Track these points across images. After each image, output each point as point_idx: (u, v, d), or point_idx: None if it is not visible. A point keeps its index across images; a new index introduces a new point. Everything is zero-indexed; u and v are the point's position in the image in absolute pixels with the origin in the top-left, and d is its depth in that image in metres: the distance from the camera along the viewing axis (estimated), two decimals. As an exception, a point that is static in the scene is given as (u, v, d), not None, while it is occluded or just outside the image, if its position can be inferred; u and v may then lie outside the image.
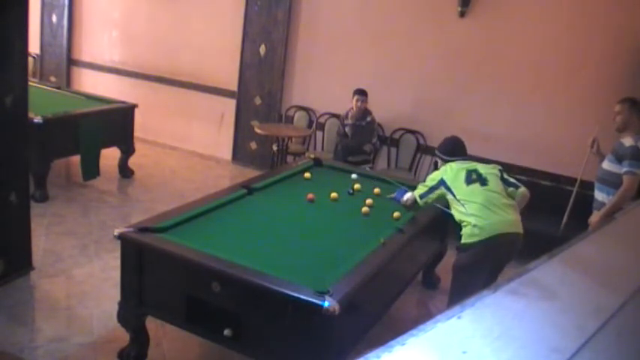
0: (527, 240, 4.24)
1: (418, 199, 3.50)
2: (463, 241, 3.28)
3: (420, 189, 3.51)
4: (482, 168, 3.46)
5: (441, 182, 3.41)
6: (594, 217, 3.84)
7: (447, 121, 5.66)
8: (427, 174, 5.65)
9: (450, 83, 5.60)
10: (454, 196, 3.33)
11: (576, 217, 4.16)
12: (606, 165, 3.81)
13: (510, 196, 3.42)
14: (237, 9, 6.49)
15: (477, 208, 3.22)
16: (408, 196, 3.58)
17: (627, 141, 3.68)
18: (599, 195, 3.86)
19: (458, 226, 3.36)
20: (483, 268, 3.26)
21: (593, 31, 4.96)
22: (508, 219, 3.27)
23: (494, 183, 3.38)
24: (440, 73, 5.62)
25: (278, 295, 2.39)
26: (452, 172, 3.43)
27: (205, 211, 3.20)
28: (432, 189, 3.44)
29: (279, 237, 3.09)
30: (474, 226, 3.19)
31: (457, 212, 3.31)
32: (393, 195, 3.73)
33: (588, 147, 4.14)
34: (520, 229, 3.34)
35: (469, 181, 3.34)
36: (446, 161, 3.58)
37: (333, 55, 6.12)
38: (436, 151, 3.77)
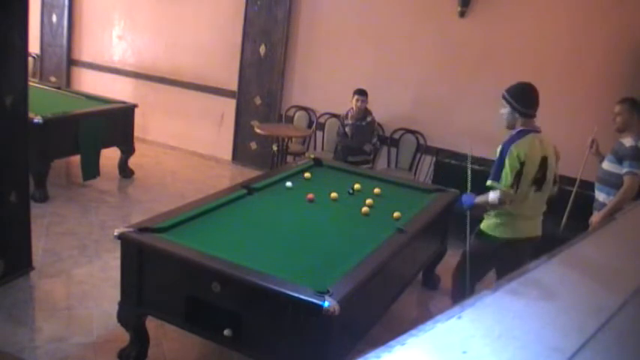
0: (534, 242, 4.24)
1: (510, 191, 3.05)
2: (488, 230, 3.23)
3: (506, 179, 3.05)
4: (550, 159, 3.21)
5: (521, 164, 3.07)
6: (595, 218, 3.84)
7: (447, 121, 5.67)
8: (427, 174, 5.72)
9: (450, 83, 5.60)
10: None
11: (576, 217, 4.16)
12: (606, 165, 3.81)
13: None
14: (237, 9, 6.49)
15: (520, 209, 3.13)
16: (493, 197, 3.08)
17: (627, 141, 3.68)
18: (599, 195, 3.85)
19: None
20: (494, 261, 3.29)
21: (593, 31, 4.96)
22: (537, 225, 3.27)
23: (547, 188, 3.24)
24: (440, 73, 5.62)
25: (278, 295, 2.39)
26: (531, 154, 3.09)
27: (205, 211, 3.20)
28: (518, 173, 3.07)
29: (279, 237, 3.09)
30: (506, 224, 3.16)
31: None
32: (462, 205, 3.37)
33: (587, 147, 4.14)
34: (540, 232, 3.31)
35: (533, 180, 3.13)
36: (517, 111, 3.17)
37: (333, 55, 6.12)
38: (509, 98, 3.21)
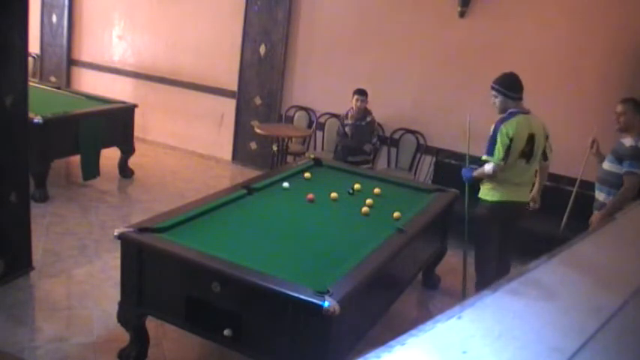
0: (528, 240, 4.25)
1: (501, 163, 3.63)
2: (484, 195, 3.83)
3: (498, 154, 3.63)
4: (538, 136, 3.73)
5: (510, 140, 3.63)
6: (595, 217, 3.84)
7: (447, 121, 5.66)
8: (427, 174, 5.72)
9: (450, 83, 5.60)
10: None
11: (576, 217, 4.16)
12: (606, 165, 3.81)
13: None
14: (237, 9, 6.49)
15: (508, 176, 3.71)
16: (488, 168, 3.69)
17: (627, 141, 3.68)
18: (599, 195, 3.85)
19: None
20: (494, 223, 3.83)
21: (593, 31, 4.96)
22: (525, 192, 3.86)
23: (535, 161, 3.80)
24: (440, 73, 5.63)
25: (278, 295, 2.39)
26: (518, 132, 3.64)
27: (205, 211, 3.20)
28: (508, 148, 3.62)
29: (279, 237, 3.09)
30: (497, 188, 3.76)
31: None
32: (463, 178, 3.93)
33: (588, 148, 4.14)
34: (527, 198, 3.90)
35: (522, 154, 3.69)
36: (508, 97, 3.73)
37: (333, 55, 6.12)
38: (498, 87, 3.74)
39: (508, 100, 3.74)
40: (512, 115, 3.70)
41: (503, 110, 3.78)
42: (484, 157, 3.73)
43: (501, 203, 3.76)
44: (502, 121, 3.68)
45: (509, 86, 3.74)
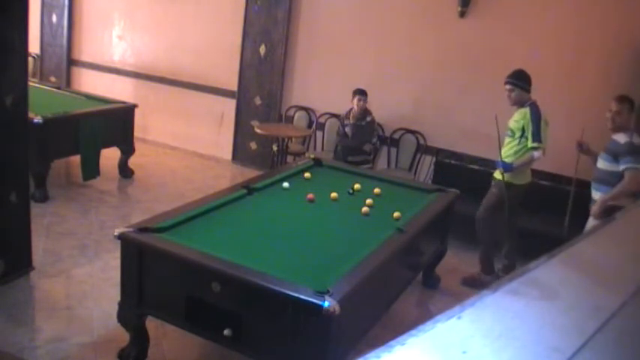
0: (532, 241, 4.25)
1: (544, 146, 4.11)
2: (515, 181, 4.25)
3: (545, 138, 4.09)
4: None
5: (546, 126, 4.14)
6: (596, 205, 3.79)
7: (447, 121, 5.67)
8: (427, 174, 5.72)
9: (450, 83, 5.60)
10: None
11: (577, 216, 4.13)
12: (602, 164, 3.78)
13: None
14: (237, 9, 6.49)
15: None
16: (538, 154, 4.10)
17: (621, 138, 3.65)
18: (596, 195, 3.83)
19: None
20: (522, 200, 4.40)
21: (593, 31, 4.96)
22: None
23: None
24: (440, 73, 5.62)
25: (278, 295, 2.39)
26: (546, 119, 4.16)
27: (205, 211, 3.20)
28: (545, 133, 4.13)
29: (279, 237, 3.09)
30: (526, 172, 4.28)
31: (518, 147, 4.20)
32: (502, 168, 4.23)
33: (576, 150, 4.14)
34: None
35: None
36: (524, 90, 4.19)
37: (333, 55, 6.12)
38: (515, 81, 4.20)
39: (523, 93, 4.19)
40: (535, 105, 4.16)
41: (519, 102, 4.21)
42: (536, 145, 4.08)
43: (529, 184, 4.35)
44: (536, 110, 4.11)
45: (525, 80, 4.20)
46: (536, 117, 4.08)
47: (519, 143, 4.18)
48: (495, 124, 4.21)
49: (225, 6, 6.62)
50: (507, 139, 4.32)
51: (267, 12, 6.34)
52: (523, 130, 4.16)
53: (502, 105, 5.43)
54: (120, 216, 4.92)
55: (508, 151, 4.27)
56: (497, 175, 4.31)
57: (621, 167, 3.62)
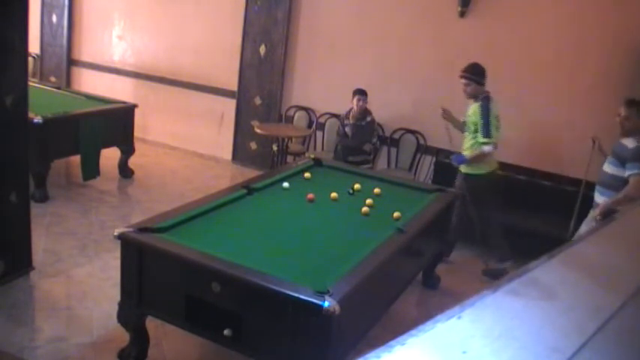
0: (532, 241, 4.25)
1: (496, 142, 4.28)
2: (473, 171, 4.44)
3: (493, 133, 4.26)
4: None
5: (496, 120, 4.34)
6: (595, 214, 3.75)
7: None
8: (427, 174, 5.72)
9: (450, 83, 5.58)
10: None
11: (583, 219, 4.10)
12: (608, 168, 3.71)
13: None
14: (237, 9, 6.49)
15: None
16: (488, 149, 4.27)
17: (630, 142, 3.59)
18: (599, 198, 3.76)
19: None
20: (489, 189, 4.52)
21: (594, 31, 4.96)
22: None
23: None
24: (440, 73, 5.62)
25: (278, 295, 2.39)
26: (498, 112, 4.34)
27: (205, 211, 3.20)
28: (495, 127, 4.30)
29: (279, 237, 3.09)
30: (484, 162, 4.41)
31: (473, 141, 4.37)
32: (455, 162, 4.49)
33: (589, 148, 4.12)
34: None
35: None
36: (480, 83, 4.34)
37: (333, 54, 6.12)
38: (471, 75, 4.33)
39: (479, 87, 4.35)
40: (488, 98, 4.32)
41: (474, 96, 4.38)
42: (484, 140, 4.25)
43: (491, 172, 4.47)
44: (487, 105, 4.26)
45: (480, 74, 4.35)
46: (486, 112, 4.26)
47: (474, 137, 4.38)
48: (446, 116, 4.53)
49: (225, 6, 6.62)
50: (466, 134, 4.55)
51: (267, 12, 6.34)
52: (476, 125, 4.34)
53: (501, 106, 5.44)
54: (120, 216, 4.92)
55: (465, 145, 4.50)
56: (462, 168, 4.54)
57: (627, 173, 3.55)
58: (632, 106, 3.64)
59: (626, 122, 3.63)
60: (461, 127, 4.59)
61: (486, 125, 4.24)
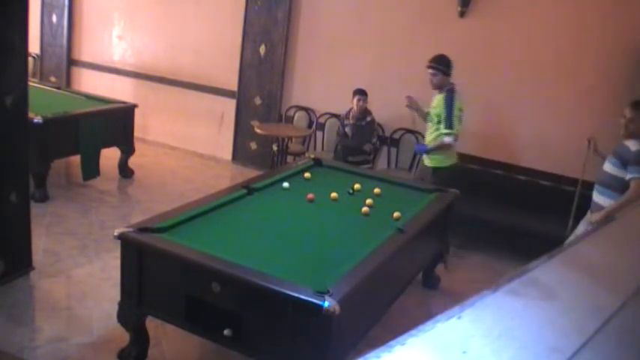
0: (532, 241, 4.25)
1: (458, 133, 4.36)
2: (438, 164, 4.53)
3: (456, 126, 4.33)
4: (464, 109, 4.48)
5: (460, 111, 4.39)
6: (594, 216, 3.74)
7: (447, 121, 5.66)
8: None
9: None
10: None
11: (581, 218, 4.10)
12: (609, 168, 3.68)
13: None
14: (237, 9, 6.49)
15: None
16: (449, 140, 4.34)
17: (632, 145, 3.54)
18: (599, 198, 3.73)
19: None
20: (453, 181, 4.44)
21: (594, 31, 4.96)
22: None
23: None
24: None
25: (278, 295, 2.39)
26: (462, 104, 4.42)
27: (205, 211, 3.20)
28: (459, 119, 4.37)
29: (279, 237, 3.09)
30: (449, 155, 4.53)
31: (437, 132, 4.44)
32: (417, 151, 4.68)
33: (586, 148, 4.11)
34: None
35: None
36: (447, 74, 4.40)
37: (333, 55, 6.12)
38: (439, 66, 4.38)
39: (445, 78, 4.41)
40: (453, 90, 4.39)
41: (440, 87, 4.43)
42: (446, 131, 4.33)
43: (455, 165, 4.57)
44: (451, 97, 4.33)
45: (448, 65, 4.41)
46: (450, 104, 4.32)
47: (437, 129, 4.45)
48: (412, 105, 4.62)
49: (225, 6, 6.62)
50: (429, 124, 4.63)
51: (267, 12, 6.34)
52: (439, 116, 4.41)
53: (501, 106, 5.44)
54: (120, 216, 4.92)
55: (430, 136, 4.59)
56: (424, 158, 4.67)
57: (628, 176, 3.52)
58: (637, 108, 3.59)
59: (631, 124, 3.59)
60: (425, 117, 4.66)
61: (449, 117, 4.31)
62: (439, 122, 4.40)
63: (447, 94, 4.35)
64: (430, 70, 4.43)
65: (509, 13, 5.25)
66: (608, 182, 3.66)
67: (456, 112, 4.33)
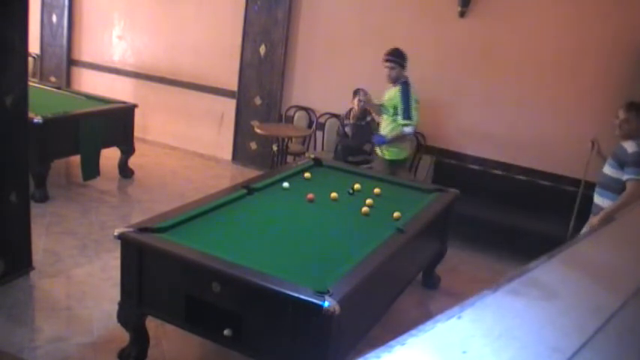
0: (532, 241, 4.24)
1: (415, 123, 4.54)
2: (395, 157, 4.72)
3: (415, 117, 4.53)
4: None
5: (417, 103, 4.56)
6: (594, 219, 3.75)
7: (447, 121, 5.67)
8: (427, 174, 5.72)
9: (449, 83, 5.60)
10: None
11: (583, 219, 4.09)
12: (607, 170, 3.69)
13: None
14: (237, 9, 6.49)
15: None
16: (409, 130, 4.53)
17: (630, 146, 3.55)
18: (599, 200, 3.75)
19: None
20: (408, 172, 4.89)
21: (593, 31, 4.96)
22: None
23: None
24: (440, 73, 5.62)
25: (278, 295, 2.39)
26: (418, 95, 4.58)
27: (205, 211, 3.20)
28: (417, 110, 4.55)
29: (279, 237, 3.09)
30: (405, 147, 4.77)
31: (393, 124, 4.61)
32: (376, 142, 4.69)
33: (589, 149, 4.11)
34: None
35: None
36: (403, 67, 4.59)
37: (333, 55, 6.12)
38: (397, 59, 4.56)
39: (402, 71, 4.57)
40: (408, 82, 4.56)
41: (396, 80, 4.58)
42: (405, 122, 4.50)
43: (410, 158, 4.88)
44: (408, 89, 4.50)
45: (404, 58, 4.58)
46: (406, 96, 4.49)
47: (394, 120, 4.59)
48: (364, 100, 4.74)
49: (225, 6, 6.62)
50: (384, 117, 4.74)
51: (267, 12, 6.33)
52: (396, 108, 4.55)
53: (501, 106, 5.44)
54: (120, 216, 4.92)
55: (385, 128, 4.72)
56: (379, 151, 4.79)
57: (625, 177, 3.53)
58: (631, 109, 3.62)
59: (625, 125, 3.61)
60: (378, 110, 4.77)
61: (407, 108, 4.47)
62: (395, 114, 4.56)
63: (402, 87, 4.52)
64: (388, 64, 4.57)
65: (509, 13, 5.25)
66: (608, 184, 3.67)
67: (412, 104, 4.50)
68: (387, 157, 4.75)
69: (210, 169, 6.62)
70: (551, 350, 0.77)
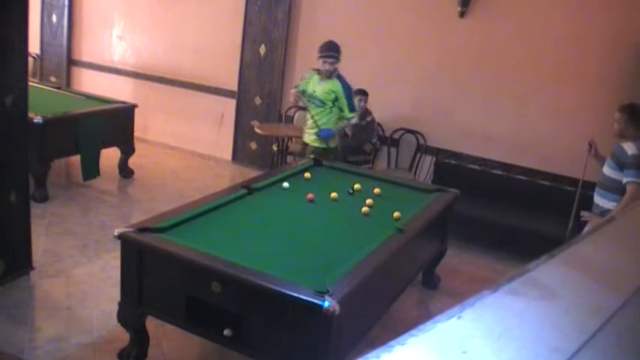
0: (532, 241, 4.23)
1: (357, 113, 4.84)
2: (332, 145, 4.86)
3: (356, 105, 4.81)
4: None
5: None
6: (593, 219, 3.74)
7: (447, 121, 5.67)
8: (427, 174, 5.73)
9: (450, 83, 5.60)
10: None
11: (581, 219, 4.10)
12: (607, 171, 3.68)
13: None
14: (237, 9, 6.49)
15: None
16: (354, 121, 4.90)
17: (629, 148, 3.54)
18: (599, 200, 3.74)
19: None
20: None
21: (594, 31, 4.96)
22: None
23: None
24: (440, 73, 5.63)
25: (278, 295, 2.39)
26: None
27: (205, 211, 3.20)
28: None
29: (279, 237, 3.09)
30: (336, 137, 4.93)
31: (330, 115, 4.74)
32: (325, 137, 4.73)
33: (586, 151, 4.11)
34: None
35: None
36: (339, 60, 4.66)
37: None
38: (336, 54, 4.63)
39: (337, 64, 4.68)
40: (342, 76, 4.71)
41: (331, 73, 4.67)
42: (352, 114, 4.73)
43: (338, 147, 4.99)
44: (344, 79, 4.67)
45: (340, 51, 4.67)
46: (348, 89, 4.68)
47: (331, 112, 4.70)
48: (298, 99, 4.85)
49: (225, 6, 6.62)
50: (317, 109, 4.74)
51: (267, 12, 6.33)
52: (334, 101, 4.66)
53: (501, 106, 5.44)
54: (120, 216, 4.92)
55: (321, 120, 4.73)
56: (311, 141, 4.84)
57: (624, 180, 3.52)
58: (624, 111, 3.65)
59: (616, 125, 3.65)
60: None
61: (351, 99, 4.69)
62: (333, 106, 4.68)
63: (340, 80, 4.66)
64: (330, 60, 4.61)
65: (509, 13, 5.25)
66: (607, 184, 3.67)
67: (352, 95, 4.75)
68: (318, 144, 4.80)
69: (210, 169, 6.62)
70: (551, 350, 0.77)
